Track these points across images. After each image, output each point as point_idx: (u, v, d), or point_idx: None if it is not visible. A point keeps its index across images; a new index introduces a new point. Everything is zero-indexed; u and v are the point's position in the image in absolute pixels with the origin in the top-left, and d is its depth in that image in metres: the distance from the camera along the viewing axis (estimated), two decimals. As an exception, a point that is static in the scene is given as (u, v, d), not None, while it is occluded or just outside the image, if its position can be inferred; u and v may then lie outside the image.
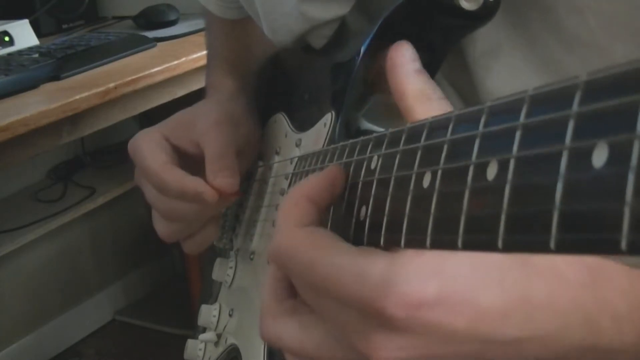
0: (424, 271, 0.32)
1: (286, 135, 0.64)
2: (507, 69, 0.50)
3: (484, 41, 0.50)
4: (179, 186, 0.58)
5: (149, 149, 0.61)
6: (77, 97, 1.25)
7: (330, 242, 0.35)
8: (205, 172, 0.60)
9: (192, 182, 0.58)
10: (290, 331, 0.38)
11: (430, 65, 0.50)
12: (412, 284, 0.31)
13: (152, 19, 1.73)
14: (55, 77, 1.35)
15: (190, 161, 0.62)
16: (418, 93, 0.39)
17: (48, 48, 1.50)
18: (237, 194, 0.60)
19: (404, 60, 0.40)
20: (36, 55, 1.44)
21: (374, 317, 0.32)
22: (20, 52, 1.49)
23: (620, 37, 0.45)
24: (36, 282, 2.07)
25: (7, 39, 1.51)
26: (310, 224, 0.37)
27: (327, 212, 0.41)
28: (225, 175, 0.59)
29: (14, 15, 1.60)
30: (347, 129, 0.52)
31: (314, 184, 0.39)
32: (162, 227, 0.63)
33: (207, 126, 0.62)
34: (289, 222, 0.37)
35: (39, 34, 1.61)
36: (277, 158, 0.64)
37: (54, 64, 1.39)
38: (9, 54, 1.48)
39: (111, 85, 1.31)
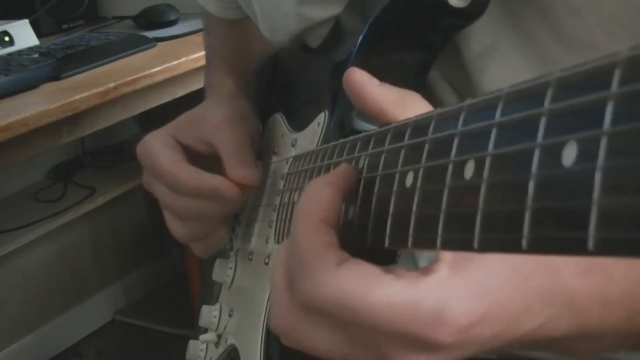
0: (469, 291, 0.33)
1: (283, 135, 0.64)
2: (505, 69, 0.50)
3: (480, 41, 0.50)
4: (195, 183, 0.57)
5: (160, 148, 0.60)
6: (77, 97, 1.25)
7: (375, 277, 0.34)
8: (218, 170, 0.59)
9: (209, 179, 0.57)
10: (304, 327, 0.37)
11: (424, 63, 0.50)
12: (462, 309, 0.33)
13: (152, 19, 1.73)
14: (55, 77, 1.35)
15: (200, 160, 0.61)
16: (395, 101, 0.39)
17: (48, 48, 1.50)
18: (255, 187, 0.59)
19: (364, 81, 0.39)
20: (36, 55, 1.44)
21: (423, 344, 0.33)
22: (20, 52, 1.49)
23: (619, 37, 0.45)
24: (36, 282, 2.07)
25: (7, 39, 1.51)
26: (339, 252, 0.35)
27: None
28: (244, 166, 0.58)
29: (14, 15, 1.60)
30: (341, 129, 0.52)
31: (327, 202, 0.36)
32: (176, 228, 0.62)
33: (218, 123, 0.61)
34: (325, 262, 0.35)
35: (39, 34, 1.61)
36: (274, 158, 0.64)
37: (54, 64, 1.39)
38: (9, 54, 1.48)
39: (111, 85, 1.31)
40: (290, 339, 0.38)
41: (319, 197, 0.37)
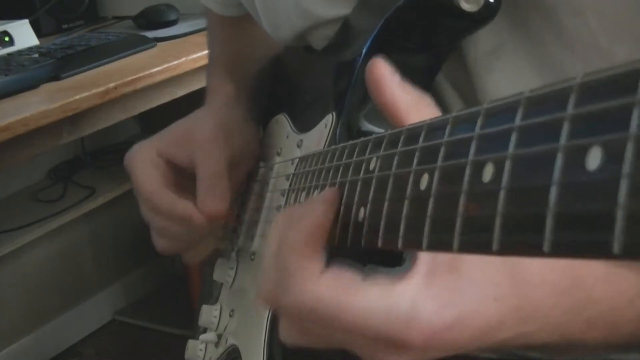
0: (441, 301, 0.35)
1: (287, 136, 0.64)
2: (509, 69, 0.50)
3: (485, 41, 0.50)
4: (169, 210, 0.61)
5: (142, 169, 0.63)
6: (77, 97, 1.25)
7: (352, 285, 0.36)
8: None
9: (181, 207, 0.60)
10: (298, 331, 0.40)
11: (432, 66, 0.50)
12: (432, 316, 0.34)
13: (152, 19, 1.73)
14: (55, 77, 1.34)
15: (186, 175, 0.63)
16: (410, 105, 0.39)
17: (48, 48, 1.50)
18: (226, 216, 0.62)
19: (386, 76, 0.40)
20: (36, 55, 1.44)
21: (397, 346, 0.35)
22: (20, 52, 1.49)
23: (621, 38, 0.45)
24: (36, 282, 2.07)
25: (7, 39, 1.51)
26: (324, 262, 0.37)
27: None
28: (214, 199, 0.61)
29: (14, 15, 1.60)
30: (348, 130, 0.52)
31: (315, 215, 0.38)
32: (158, 242, 0.66)
33: (202, 143, 0.63)
34: (305, 272, 0.37)
35: (39, 34, 1.60)
36: (278, 159, 0.64)
37: (54, 64, 1.39)
38: (9, 54, 1.48)
39: (111, 85, 1.30)
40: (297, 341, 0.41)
41: (305, 211, 0.39)
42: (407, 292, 0.35)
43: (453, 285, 0.35)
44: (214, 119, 0.66)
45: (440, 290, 0.35)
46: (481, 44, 0.50)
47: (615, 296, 0.38)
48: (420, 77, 0.50)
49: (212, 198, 0.61)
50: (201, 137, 0.64)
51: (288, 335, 0.41)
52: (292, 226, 0.38)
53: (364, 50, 0.50)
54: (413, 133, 0.33)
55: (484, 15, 0.45)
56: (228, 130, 0.65)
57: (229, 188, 0.62)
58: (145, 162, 0.63)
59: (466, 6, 0.44)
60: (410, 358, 0.36)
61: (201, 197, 0.61)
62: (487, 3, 0.44)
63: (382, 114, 0.40)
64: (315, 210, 0.38)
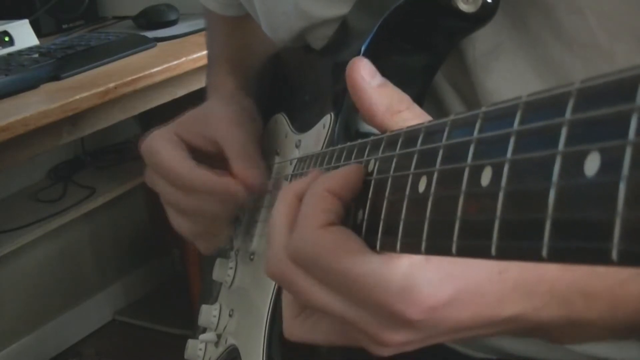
0: (438, 275, 0.34)
1: (286, 136, 0.64)
2: (508, 69, 0.50)
3: (484, 41, 0.50)
4: (205, 183, 0.58)
5: (165, 147, 0.60)
6: (77, 97, 1.25)
7: (355, 247, 0.36)
8: (221, 167, 0.60)
9: (217, 177, 0.58)
10: (293, 277, 0.39)
11: (430, 66, 0.50)
12: (429, 289, 0.34)
13: (152, 19, 1.73)
14: (55, 77, 1.34)
15: (203, 157, 0.62)
16: (386, 108, 0.39)
17: (48, 48, 1.50)
18: (262, 187, 0.61)
19: (364, 78, 0.39)
20: (36, 55, 1.44)
21: (392, 318, 0.35)
22: (20, 52, 1.49)
23: (621, 37, 0.45)
24: (36, 282, 2.07)
25: (7, 39, 1.51)
26: (335, 221, 0.37)
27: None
28: (251, 166, 0.59)
29: (14, 15, 1.60)
30: (347, 131, 0.52)
31: (339, 178, 0.38)
32: (180, 224, 0.63)
33: (224, 124, 0.62)
34: (315, 222, 0.37)
35: (39, 34, 1.61)
36: (277, 159, 0.64)
37: (54, 64, 1.39)
38: (9, 54, 1.48)
39: (111, 85, 1.31)
40: (285, 287, 0.40)
41: (330, 174, 0.39)
42: (404, 265, 0.34)
43: (447, 263, 0.35)
44: (225, 107, 0.65)
45: (436, 269, 0.35)
46: (480, 44, 0.50)
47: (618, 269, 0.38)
48: (418, 77, 0.50)
49: (249, 165, 0.59)
50: (221, 116, 0.63)
51: (292, 322, 0.41)
52: (311, 186, 0.38)
53: (362, 50, 0.50)
54: (411, 135, 0.33)
55: (482, 16, 0.45)
56: (245, 113, 0.64)
57: (261, 157, 0.61)
58: (166, 142, 0.61)
59: (464, 7, 0.44)
60: (410, 336, 0.36)
61: (237, 166, 0.59)
62: (484, 3, 0.44)
63: (362, 117, 0.40)
64: (336, 173, 0.38)
